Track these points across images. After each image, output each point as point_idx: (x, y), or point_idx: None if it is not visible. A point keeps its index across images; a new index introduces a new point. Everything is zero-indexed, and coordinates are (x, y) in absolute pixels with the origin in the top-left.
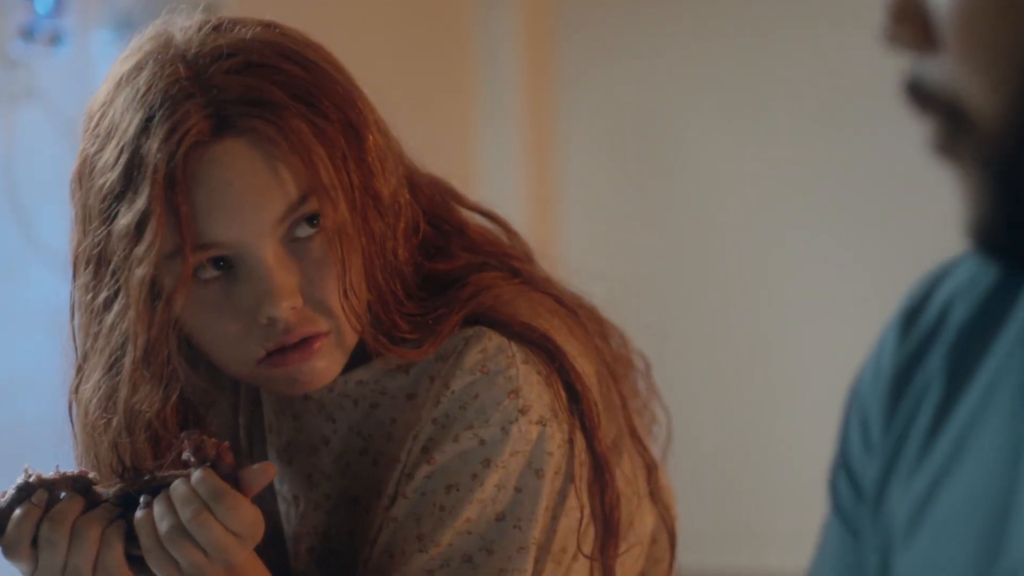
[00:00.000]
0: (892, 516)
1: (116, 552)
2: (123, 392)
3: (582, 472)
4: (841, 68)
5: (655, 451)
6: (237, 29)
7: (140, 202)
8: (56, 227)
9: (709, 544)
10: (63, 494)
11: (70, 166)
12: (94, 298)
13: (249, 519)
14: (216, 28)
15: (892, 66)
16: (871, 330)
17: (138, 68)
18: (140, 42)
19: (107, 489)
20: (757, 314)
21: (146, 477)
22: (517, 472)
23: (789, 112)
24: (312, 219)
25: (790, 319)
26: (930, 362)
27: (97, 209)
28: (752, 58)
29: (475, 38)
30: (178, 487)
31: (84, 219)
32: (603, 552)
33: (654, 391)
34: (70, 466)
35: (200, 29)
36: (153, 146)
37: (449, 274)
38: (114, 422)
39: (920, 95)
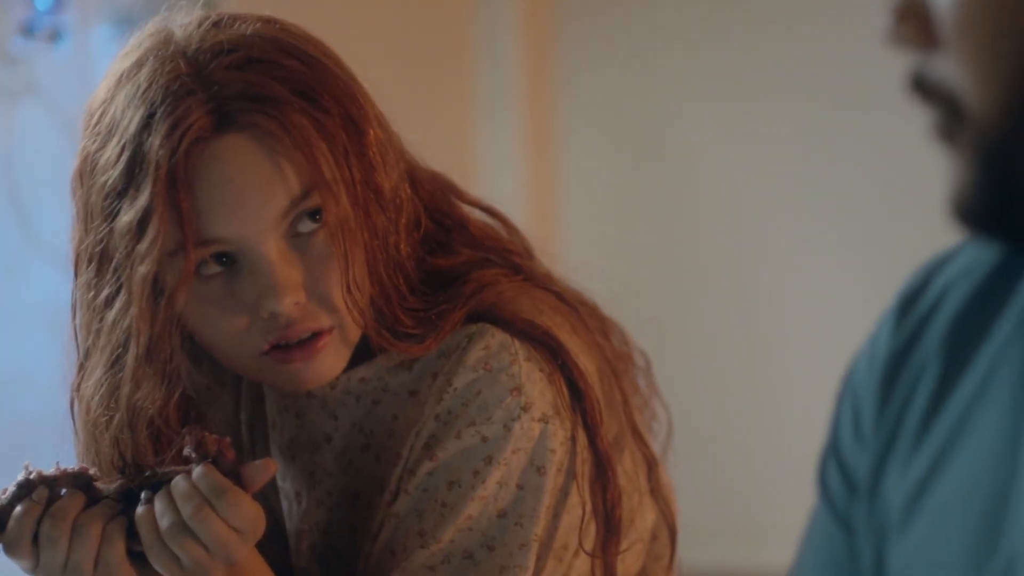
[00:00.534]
0: (887, 504)
1: (117, 548)
2: (125, 389)
3: (584, 469)
4: (841, 64)
5: (655, 447)
6: (237, 25)
7: (142, 199)
8: (56, 224)
9: (709, 540)
10: (64, 491)
11: (71, 163)
12: (96, 296)
13: (250, 515)
14: (216, 24)
15: (891, 64)
16: (870, 326)
17: (138, 65)
18: (140, 39)
19: (108, 485)
20: (757, 310)
21: (147, 473)
22: (519, 469)
23: (789, 108)
24: (314, 214)
25: (789, 315)
26: (925, 346)
27: (99, 207)
28: (751, 54)
29: (475, 34)
30: (179, 483)
31: (86, 217)
32: (604, 549)
33: (654, 388)
34: (71, 463)
35: (200, 25)
36: (155, 143)
37: (451, 270)
38: (116, 419)
39: (922, 88)
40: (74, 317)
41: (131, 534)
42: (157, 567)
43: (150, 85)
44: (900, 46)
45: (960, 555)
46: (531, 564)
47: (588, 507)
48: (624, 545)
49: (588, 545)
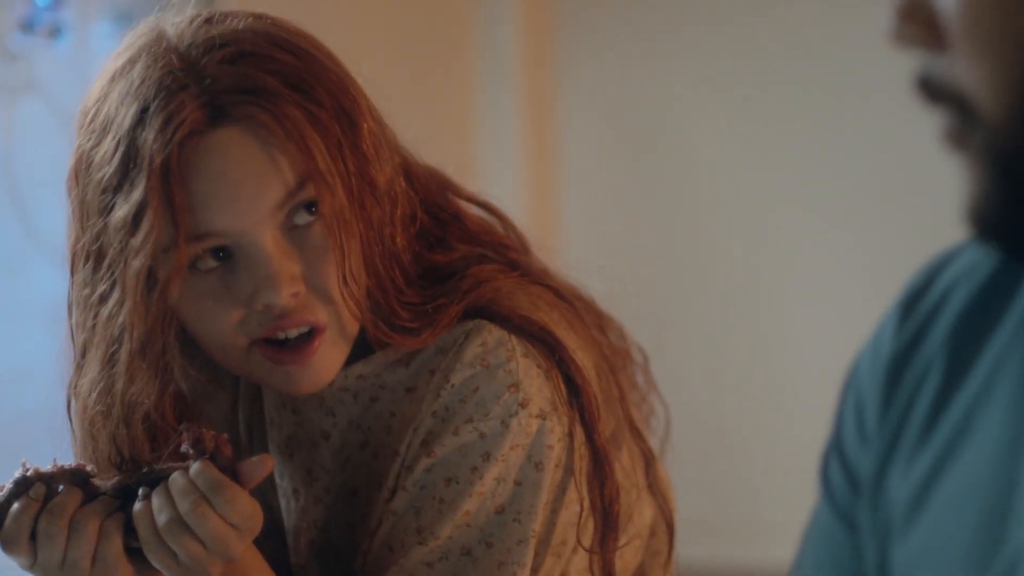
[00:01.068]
0: (891, 503)
1: (115, 545)
2: (120, 384)
3: (582, 465)
4: (842, 59)
5: (653, 443)
6: (229, 21)
7: (136, 194)
8: (56, 220)
9: (708, 536)
10: (61, 487)
11: (70, 160)
12: (91, 292)
13: (247, 511)
14: (208, 21)
15: (893, 62)
16: (870, 322)
17: (131, 62)
18: (133, 38)
19: (105, 482)
20: (756, 306)
21: (144, 469)
22: (517, 465)
23: (789, 105)
24: (310, 206)
25: (789, 311)
26: (929, 344)
27: (94, 203)
28: (752, 50)
29: (475, 31)
30: (176, 479)
31: (82, 215)
32: (602, 545)
33: (652, 383)
34: (68, 460)
35: (192, 22)
36: (148, 137)
37: (448, 266)
38: (112, 415)
39: (929, 90)
40: (70, 315)
41: (129, 530)
42: (154, 563)
43: (143, 81)
44: (905, 46)
45: (964, 554)
46: (529, 560)
47: (586, 503)
48: (622, 541)
49: (586, 541)
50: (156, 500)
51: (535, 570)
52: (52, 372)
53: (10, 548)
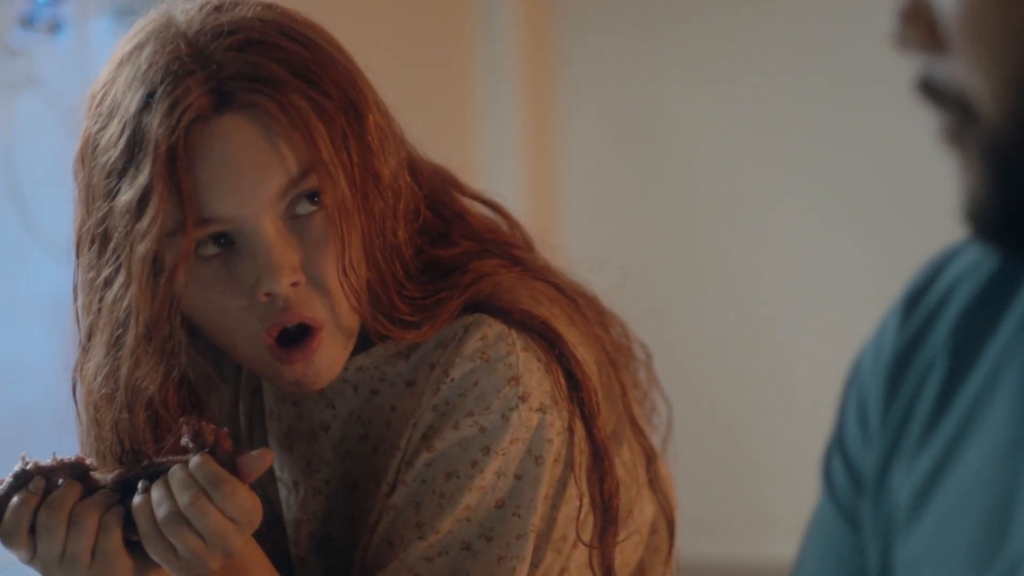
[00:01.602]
0: (894, 501)
1: (114, 538)
2: (124, 368)
3: (581, 460)
4: (842, 60)
5: (655, 440)
6: (238, 9)
7: (142, 178)
8: (55, 215)
9: (710, 532)
10: (61, 481)
11: (70, 154)
12: (97, 276)
13: (247, 505)
14: (217, 8)
15: (893, 60)
16: (871, 319)
17: (139, 47)
18: (142, 24)
19: (105, 475)
20: (757, 303)
21: (144, 463)
22: (517, 459)
23: (790, 101)
24: (312, 196)
25: (790, 308)
26: (932, 342)
27: (100, 187)
28: (751, 50)
29: (475, 26)
30: (176, 472)
31: (87, 199)
32: (602, 540)
33: (654, 380)
34: (68, 453)
35: (201, 9)
36: (154, 122)
37: (450, 260)
38: (116, 399)
39: (930, 91)
40: (76, 299)
41: (128, 524)
42: (154, 557)
43: (150, 66)
44: (907, 49)
45: (966, 553)
46: (528, 554)
47: (585, 498)
48: (622, 536)
49: (585, 536)
50: (155, 493)
51: (535, 565)
52: (52, 367)
53: (9, 542)
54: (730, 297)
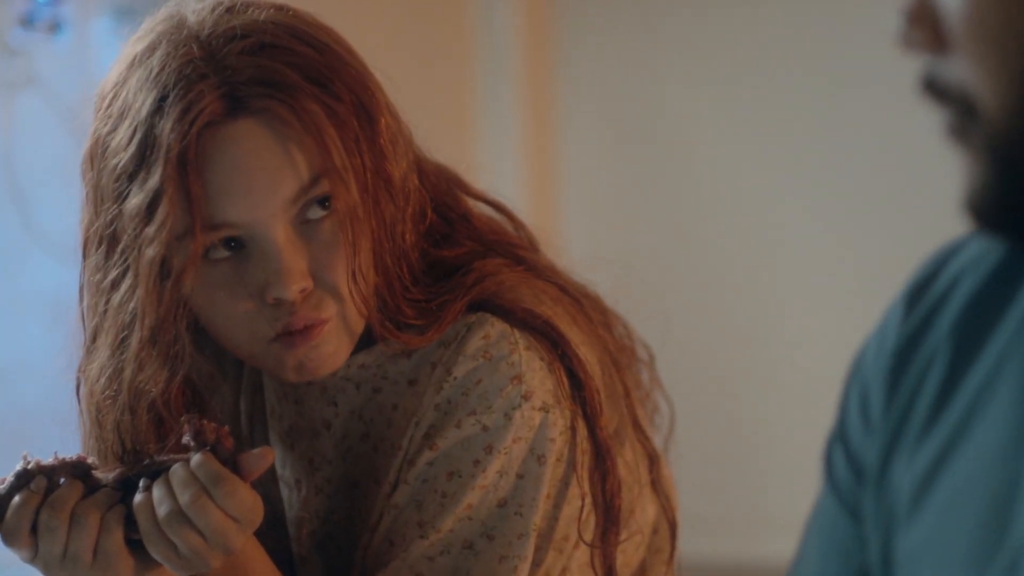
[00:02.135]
0: (895, 493)
1: (115, 537)
2: (128, 371)
3: (583, 460)
4: (842, 58)
5: (657, 441)
6: (250, 11)
7: (152, 182)
8: (56, 215)
9: (712, 531)
10: (62, 480)
11: (71, 154)
12: (103, 277)
13: (248, 504)
14: (229, 10)
15: (893, 58)
16: (872, 319)
17: (151, 49)
18: (152, 23)
19: (106, 474)
20: (757, 302)
21: (145, 461)
22: (519, 458)
23: (790, 100)
24: (324, 201)
25: (793, 307)
26: (935, 335)
27: (109, 189)
28: (751, 48)
29: (475, 26)
30: (177, 471)
31: (96, 199)
32: (604, 540)
33: (657, 381)
34: (69, 452)
35: (213, 11)
36: (166, 126)
37: (453, 260)
38: (118, 401)
39: (935, 90)
40: (81, 299)
41: (129, 522)
42: (155, 555)
43: (163, 69)
44: (911, 49)
45: (967, 547)
46: (530, 554)
47: (587, 498)
48: (624, 536)
49: (587, 536)
50: (157, 492)
51: (537, 564)
52: (52, 366)
53: (11, 541)
54: (730, 297)
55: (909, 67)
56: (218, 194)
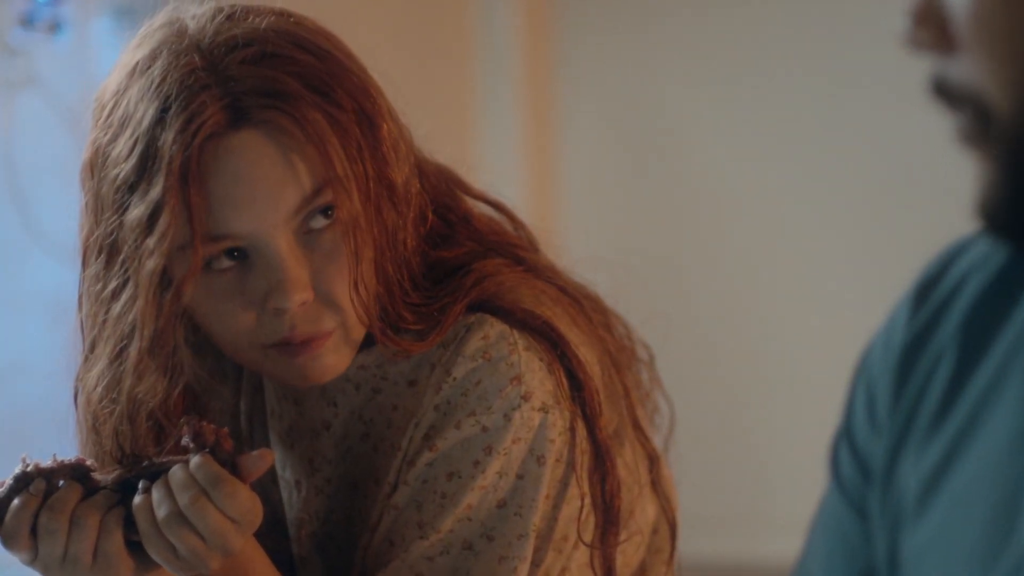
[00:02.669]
0: (902, 492)
1: (115, 539)
2: (128, 382)
3: (583, 460)
4: (842, 58)
5: (657, 441)
6: (251, 19)
7: (153, 194)
8: (56, 214)
9: (713, 531)
10: (61, 482)
11: (71, 154)
12: (103, 288)
13: (247, 505)
14: (229, 17)
15: (895, 58)
16: (874, 316)
17: (152, 57)
18: (151, 30)
19: (106, 476)
20: (758, 303)
21: (144, 463)
22: (519, 459)
23: (790, 99)
24: (326, 210)
25: (791, 308)
26: (942, 334)
27: (109, 199)
28: (753, 46)
29: (475, 26)
30: (176, 472)
31: (96, 209)
32: (603, 540)
33: (657, 381)
34: (69, 452)
35: (214, 18)
36: (168, 137)
37: (453, 261)
38: (117, 410)
39: (943, 91)
40: (80, 308)
41: (129, 524)
42: (154, 557)
43: (164, 79)
44: (919, 50)
45: (974, 546)
46: (529, 554)
47: (587, 498)
48: (623, 537)
49: (587, 536)
50: (156, 494)
51: (536, 565)
52: (51, 366)
53: (11, 544)
54: (730, 296)
55: (910, 66)
56: (221, 206)
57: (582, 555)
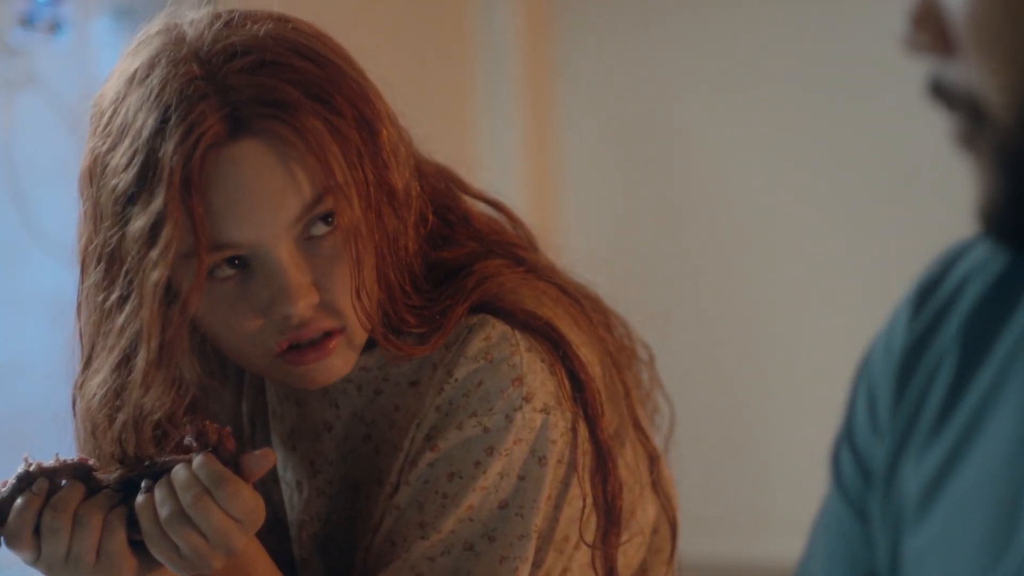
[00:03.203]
0: (903, 495)
1: (118, 538)
2: (135, 393)
3: (584, 461)
4: (843, 58)
5: (657, 441)
6: (249, 25)
7: (155, 204)
8: (56, 214)
9: (713, 531)
10: (64, 482)
11: (71, 154)
12: (105, 298)
13: (250, 504)
14: (227, 24)
15: (896, 59)
16: (873, 318)
17: (150, 65)
18: (148, 36)
19: (108, 475)
20: (759, 303)
21: (147, 463)
22: (520, 460)
23: (791, 100)
24: (327, 217)
25: (791, 308)
26: (943, 337)
27: (109, 210)
28: (753, 46)
29: (475, 26)
30: (179, 472)
31: (95, 218)
32: (605, 541)
33: (657, 381)
34: (69, 453)
35: (211, 24)
36: (168, 148)
37: (453, 261)
38: (119, 419)
39: (941, 94)
40: (79, 316)
41: (132, 523)
42: (157, 556)
43: (163, 88)
44: (917, 52)
45: (976, 549)
46: (531, 555)
47: (588, 499)
48: (625, 537)
49: (588, 537)
50: (158, 493)
51: (537, 565)
52: (51, 365)
53: (14, 543)
54: (731, 296)
55: (910, 68)
56: (222, 216)
57: (583, 555)
